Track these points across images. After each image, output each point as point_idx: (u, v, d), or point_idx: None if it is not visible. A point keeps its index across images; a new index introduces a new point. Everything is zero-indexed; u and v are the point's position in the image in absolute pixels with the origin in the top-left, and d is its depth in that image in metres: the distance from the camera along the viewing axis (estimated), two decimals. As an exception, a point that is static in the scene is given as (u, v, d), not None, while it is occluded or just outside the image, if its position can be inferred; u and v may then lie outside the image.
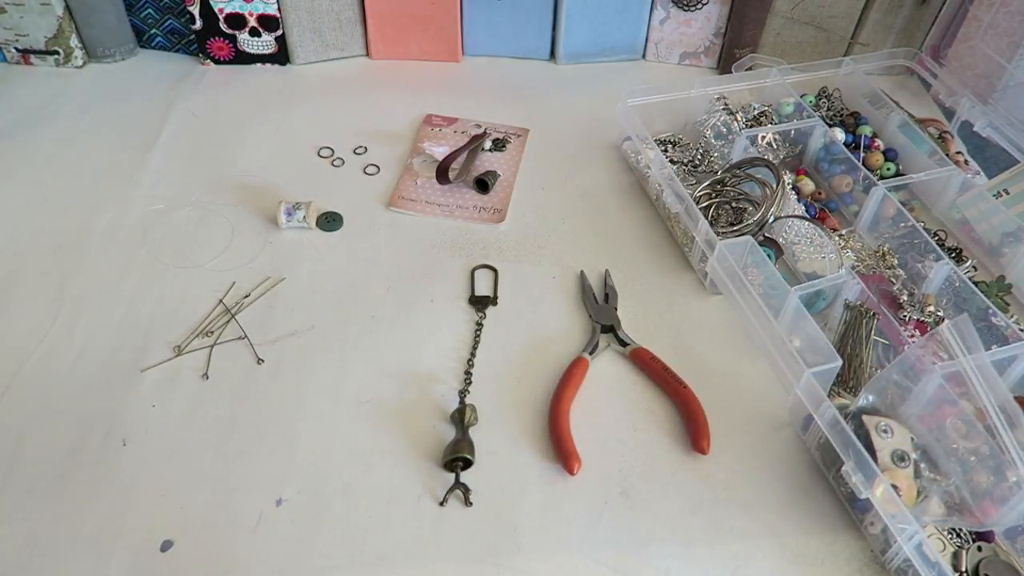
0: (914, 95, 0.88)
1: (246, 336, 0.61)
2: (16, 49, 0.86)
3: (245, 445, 0.54)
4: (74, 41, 0.85)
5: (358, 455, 0.54)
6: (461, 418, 0.55)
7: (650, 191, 0.74)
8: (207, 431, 0.55)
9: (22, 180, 0.73)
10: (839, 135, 0.75)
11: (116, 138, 0.78)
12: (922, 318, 0.62)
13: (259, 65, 0.89)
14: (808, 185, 0.73)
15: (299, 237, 0.69)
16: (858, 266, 0.67)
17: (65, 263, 0.66)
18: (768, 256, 0.62)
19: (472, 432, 0.55)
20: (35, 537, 0.49)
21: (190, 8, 0.83)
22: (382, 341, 0.61)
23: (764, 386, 0.60)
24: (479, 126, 0.82)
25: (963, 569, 0.48)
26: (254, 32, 0.87)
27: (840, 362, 0.53)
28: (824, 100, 0.82)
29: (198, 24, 0.85)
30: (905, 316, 0.62)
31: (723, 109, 0.77)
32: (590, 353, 0.60)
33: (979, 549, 0.49)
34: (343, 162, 0.77)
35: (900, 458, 0.48)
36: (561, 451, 0.54)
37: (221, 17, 0.85)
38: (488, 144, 0.80)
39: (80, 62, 0.87)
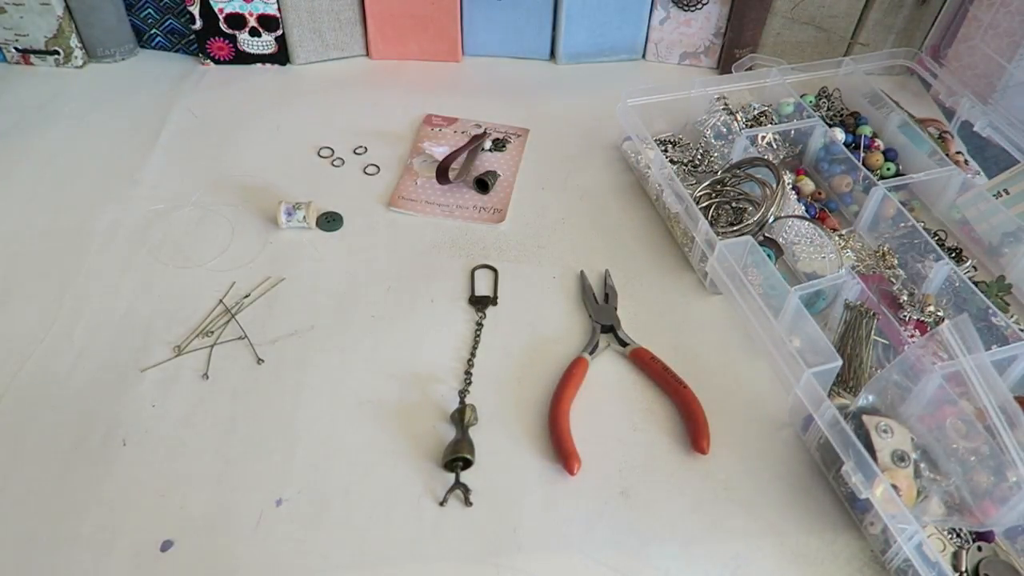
0: (914, 95, 0.88)
1: (246, 336, 0.61)
2: (16, 49, 0.86)
3: (245, 445, 0.54)
4: (74, 41, 0.85)
5: (358, 455, 0.54)
6: (461, 418, 0.55)
7: (650, 191, 0.75)
8: (207, 431, 0.55)
9: (22, 180, 0.73)
10: (839, 135, 0.75)
11: (116, 138, 0.78)
12: (922, 318, 0.62)
13: (259, 65, 0.89)
14: (808, 185, 0.73)
15: (299, 237, 0.69)
16: (858, 266, 0.67)
17: (65, 263, 0.66)
18: (768, 256, 0.62)
19: (472, 432, 0.55)
20: (35, 537, 0.49)
21: (190, 8, 0.83)
22: (382, 341, 0.61)
23: (764, 386, 0.60)
24: (479, 126, 0.82)
25: (963, 569, 0.48)
26: (254, 32, 0.87)
27: (840, 362, 0.53)
28: (824, 100, 0.82)
29: (198, 24, 0.85)
30: (905, 316, 0.62)
31: (723, 109, 0.77)
32: (590, 353, 0.60)
33: (979, 549, 0.49)
34: (343, 162, 0.77)
35: (900, 458, 0.48)
36: (561, 451, 0.54)
37: (221, 17, 0.85)
38: (488, 144, 0.80)
39: (80, 62, 0.87)
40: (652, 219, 0.73)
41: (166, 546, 0.49)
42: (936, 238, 0.68)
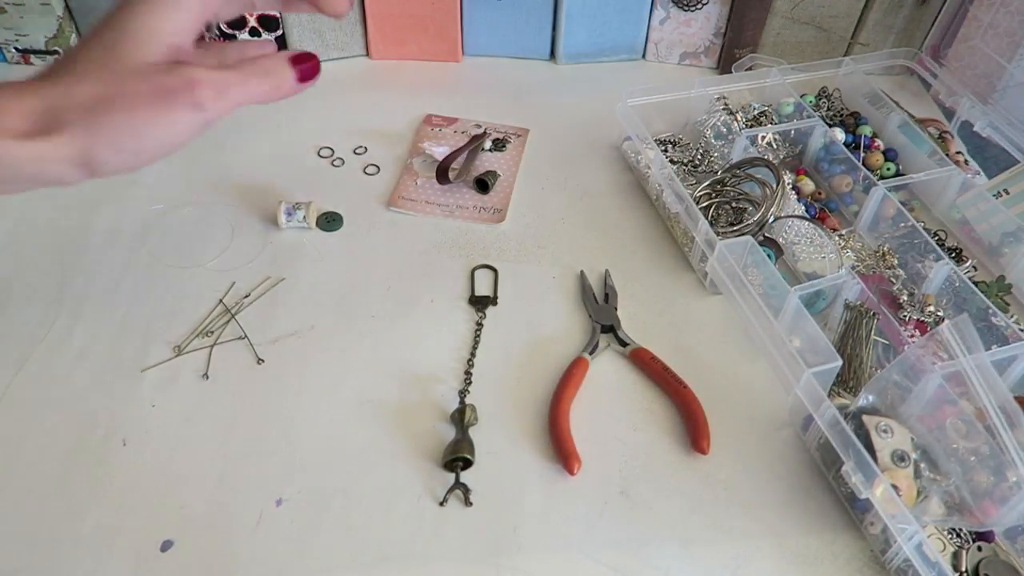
0: (914, 95, 0.88)
1: (246, 336, 0.61)
2: (16, 49, 0.86)
3: (245, 445, 0.54)
4: (74, 41, 0.85)
5: (358, 455, 0.54)
6: (461, 418, 0.55)
7: (650, 191, 0.75)
8: (207, 431, 0.55)
9: (22, 180, 0.73)
10: (839, 135, 0.75)
11: (116, 138, 0.78)
12: (922, 318, 0.62)
13: (259, 65, 0.89)
14: (808, 185, 0.73)
15: (299, 237, 0.69)
16: (858, 266, 0.67)
17: (65, 263, 0.66)
18: (768, 256, 0.62)
19: (472, 432, 0.55)
20: (35, 537, 0.49)
21: (190, 8, 0.83)
22: (382, 341, 0.61)
23: (764, 386, 0.60)
24: (479, 126, 0.82)
25: (963, 569, 0.48)
26: (254, 32, 0.87)
27: (840, 362, 0.53)
28: (824, 100, 0.82)
29: (198, 24, 0.85)
30: (905, 316, 0.62)
31: (723, 109, 0.77)
32: (590, 353, 0.60)
33: (979, 549, 0.49)
34: (343, 162, 0.77)
35: (900, 458, 0.48)
36: (561, 451, 0.54)
37: (221, 17, 0.85)
38: (488, 144, 0.80)
39: (80, 62, 0.87)
40: (652, 219, 0.73)
41: (166, 546, 0.49)
42: (936, 238, 0.68)
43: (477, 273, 0.67)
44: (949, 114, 0.83)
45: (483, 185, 0.73)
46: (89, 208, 0.71)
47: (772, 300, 0.58)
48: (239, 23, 0.85)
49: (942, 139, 0.78)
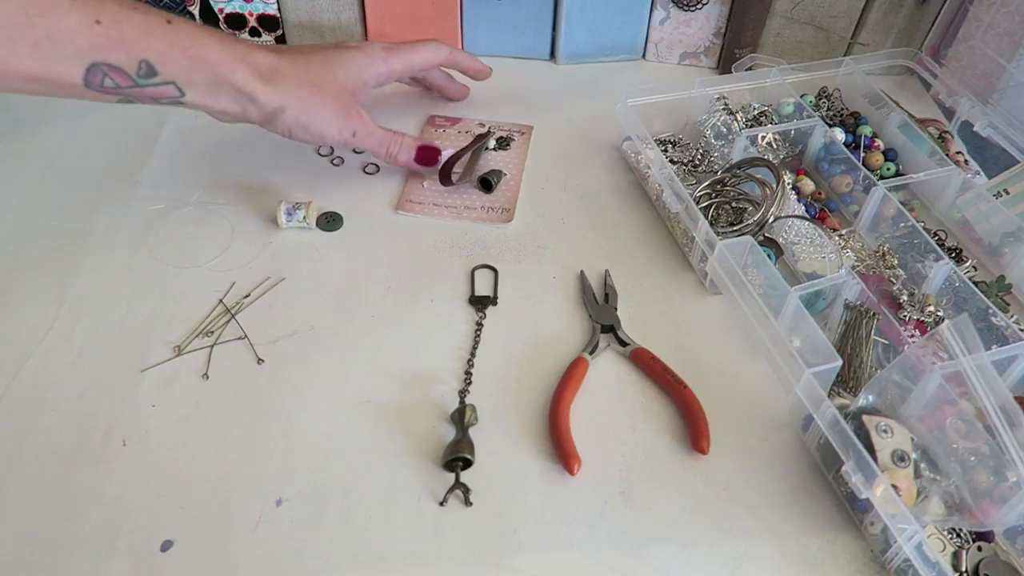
0: (914, 95, 0.88)
1: (246, 336, 0.61)
2: None
3: (245, 445, 0.54)
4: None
5: (358, 455, 0.54)
6: (461, 418, 0.55)
7: (650, 191, 0.75)
8: (207, 431, 0.55)
9: (22, 180, 0.73)
10: (839, 135, 0.75)
11: (116, 138, 0.78)
12: (922, 318, 0.62)
13: (259, 65, 0.89)
14: (808, 185, 0.73)
15: (299, 237, 0.69)
16: (858, 266, 0.67)
17: (65, 263, 0.66)
18: (768, 256, 0.62)
19: (472, 432, 0.55)
20: (35, 537, 0.49)
21: (190, 8, 0.84)
22: (382, 341, 0.61)
23: (764, 386, 0.60)
24: (483, 125, 0.82)
25: (963, 569, 0.48)
26: (254, 32, 0.87)
27: (840, 362, 0.53)
28: (824, 100, 0.82)
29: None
30: (905, 316, 0.62)
31: (723, 109, 0.77)
32: (590, 353, 0.60)
33: (979, 549, 0.49)
34: (343, 162, 0.77)
35: (900, 458, 0.48)
36: (561, 451, 0.54)
37: (221, 17, 0.85)
38: (492, 143, 0.79)
39: (80, 62, 0.87)
40: (652, 219, 0.73)
41: (166, 546, 0.49)
42: (936, 238, 0.68)
43: (477, 273, 0.67)
44: (949, 114, 0.83)
45: (487, 184, 0.73)
46: (89, 208, 0.71)
47: (772, 300, 0.58)
48: (239, 23, 0.86)
49: (942, 139, 0.78)
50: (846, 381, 0.57)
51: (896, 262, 0.66)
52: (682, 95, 0.76)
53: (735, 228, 0.66)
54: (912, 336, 0.60)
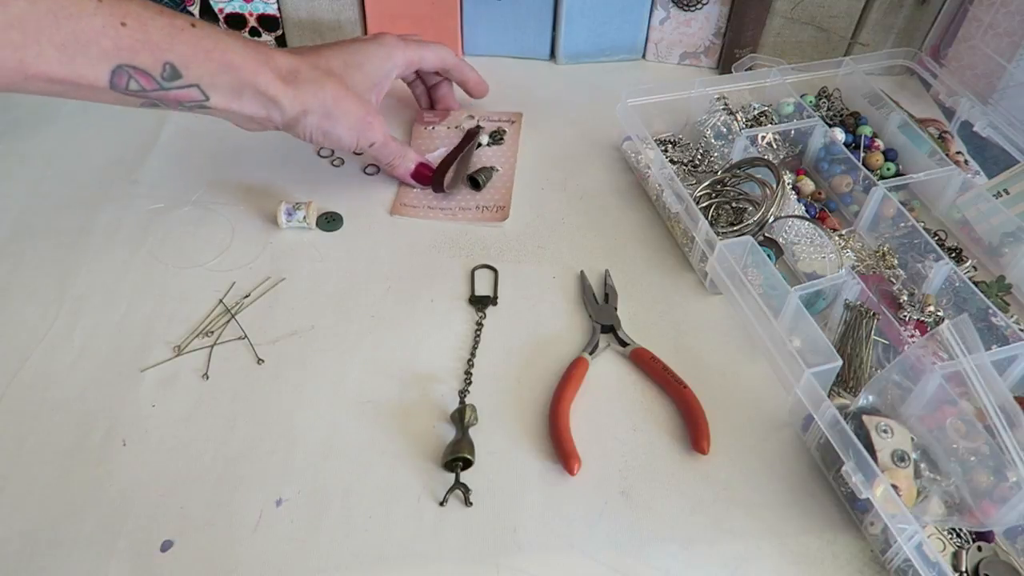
0: (914, 95, 0.88)
1: (246, 336, 0.61)
2: None
3: (245, 445, 0.54)
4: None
5: (358, 455, 0.54)
6: (461, 418, 0.55)
7: (650, 191, 0.75)
8: (207, 431, 0.55)
9: (22, 180, 0.73)
10: (839, 135, 0.75)
11: (116, 138, 0.78)
12: (922, 318, 0.62)
13: (259, 65, 0.89)
14: (808, 185, 0.73)
15: (299, 237, 0.69)
16: (858, 266, 0.67)
17: (65, 263, 0.66)
18: (768, 256, 0.62)
19: (472, 432, 0.55)
20: (35, 537, 0.49)
21: (189, 8, 0.83)
22: (382, 341, 0.61)
23: (764, 386, 0.60)
24: (472, 116, 0.81)
25: (963, 569, 0.48)
26: (254, 32, 0.87)
27: (840, 362, 0.53)
28: (824, 100, 0.82)
29: (198, 24, 0.85)
30: (905, 316, 0.62)
31: (723, 109, 0.77)
32: (590, 353, 0.60)
33: (979, 549, 0.49)
34: (343, 162, 0.77)
35: (900, 458, 0.48)
36: (561, 451, 0.54)
37: (221, 17, 0.85)
38: (485, 139, 0.79)
39: (80, 62, 0.87)
40: (652, 219, 0.73)
41: (166, 546, 0.49)
42: (936, 238, 0.68)
43: (477, 273, 0.67)
44: (949, 114, 0.83)
45: (475, 183, 0.73)
46: (89, 208, 0.71)
47: (772, 300, 0.58)
48: (239, 23, 0.86)
49: (942, 139, 0.78)
50: (846, 381, 0.57)
51: (896, 262, 0.66)
52: (682, 95, 0.76)
53: (735, 228, 0.66)
54: (912, 336, 0.60)
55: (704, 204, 0.70)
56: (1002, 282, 0.66)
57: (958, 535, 0.50)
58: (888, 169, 0.74)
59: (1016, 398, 0.48)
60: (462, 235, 0.70)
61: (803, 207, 0.70)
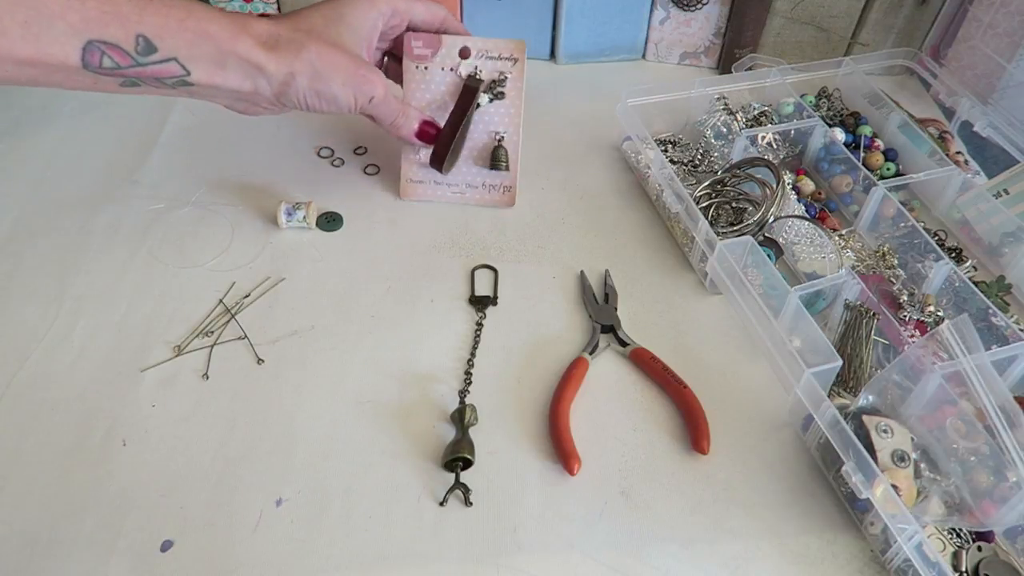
0: (914, 95, 0.88)
1: (246, 336, 0.61)
2: None
3: (245, 445, 0.54)
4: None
5: (358, 455, 0.54)
6: (461, 418, 0.55)
7: (650, 191, 0.75)
8: (207, 431, 0.55)
9: (22, 180, 0.73)
10: (839, 135, 0.75)
11: (116, 138, 0.78)
12: (922, 318, 0.62)
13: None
14: (808, 185, 0.73)
15: (299, 237, 0.69)
16: (858, 266, 0.67)
17: (65, 263, 0.66)
18: (768, 256, 0.62)
19: (472, 432, 0.55)
20: (35, 537, 0.49)
21: (190, 8, 0.83)
22: (382, 341, 0.61)
23: (764, 386, 0.60)
24: (467, 48, 0.69)
25: (963, 569, 0.48)
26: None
27: (840, 362, 0.53)
28: (824, 100, 0.82)
29: (198, 24, 0.85)
30: (905, 316, 0.62)
31: (723, 109, 0.77)
32: (590, 353, 0.60)
33: (979, 549, 0.49)
34: (343, 162, 0.77)
35: (900, 458, 0.48)
36: (561, 451, 0.54)
37: (221, 17, 0.85)
38: (485, 100, 0.71)
39: (80, 62, 0.87)
40: (652, 219, 0.73)
41: (166, 546, 0.49)
42: (936, 238, 0.68)
43: (477, 273, 0.67)
44: (949, 114, 0.83)
45: (497, 164, 0.70)
46: (89, 208, 0.71)
47: (772, 300, 0.58)
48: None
49: (942, 139, 0.78)
50: (846, 381, 0.57)
51: (896, 262, 0.66)
52: (682, 95, 0.77)
53: (735, 228, 0.66)
54: (912, 336, 0.60)
55: (704, 204, 0.70)
56: (1002, 282, 0.66)
57: (958, 535, 0.50)
58: (888, 169, 0.74)
59: (1016, 398, 0.48)
60: (463, 235, 0.70)
61: (803, 207, 0.70)
